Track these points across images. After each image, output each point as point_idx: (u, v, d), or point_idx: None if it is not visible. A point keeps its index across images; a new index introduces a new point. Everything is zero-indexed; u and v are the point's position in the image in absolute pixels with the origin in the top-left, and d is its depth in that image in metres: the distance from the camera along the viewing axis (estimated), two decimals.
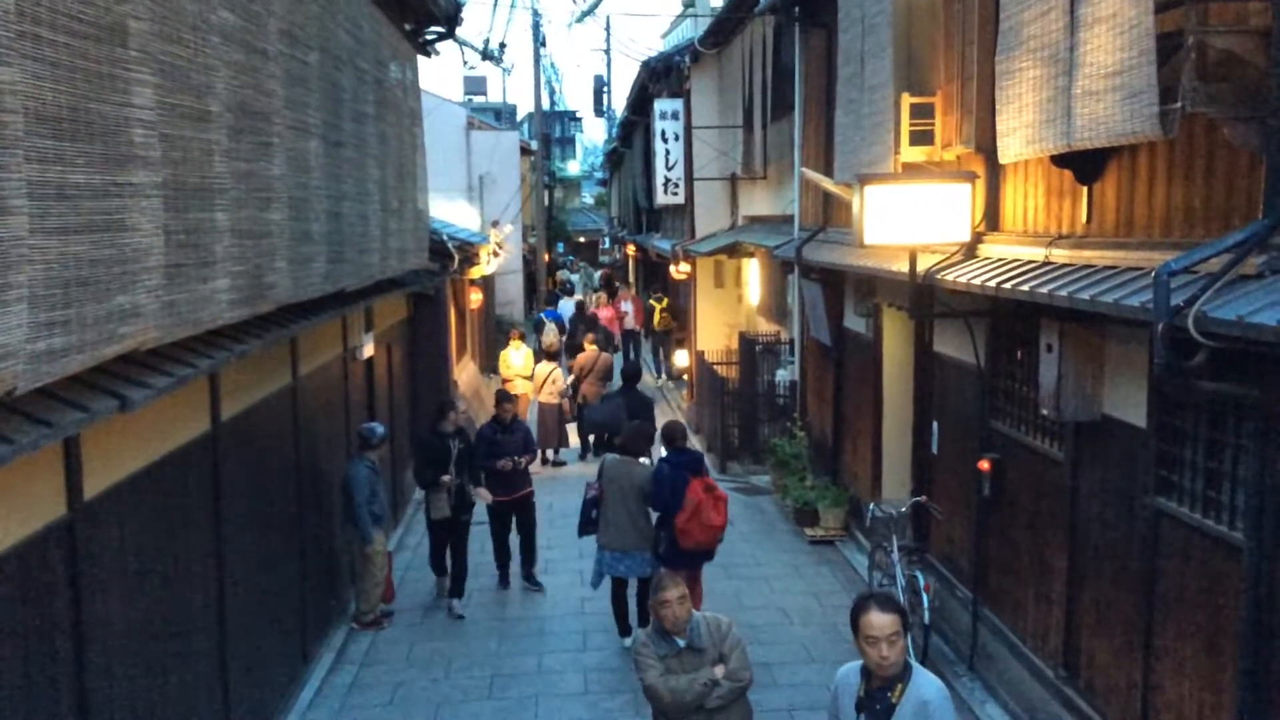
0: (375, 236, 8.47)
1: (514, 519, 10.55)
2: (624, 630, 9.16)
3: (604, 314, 23.35)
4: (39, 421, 3.51)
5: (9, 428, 3.36)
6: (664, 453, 8.88)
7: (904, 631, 4.19)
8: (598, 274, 41.72)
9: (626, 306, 24.17)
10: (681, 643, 5.38)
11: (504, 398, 10.92)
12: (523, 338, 18.00)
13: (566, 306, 28.82)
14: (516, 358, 17.26)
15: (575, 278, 36.76)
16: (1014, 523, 7.63)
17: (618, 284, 30.90)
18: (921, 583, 8.47)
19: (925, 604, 8.27)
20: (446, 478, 9.80)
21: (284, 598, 7.83)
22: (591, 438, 16.33)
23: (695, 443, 16.82)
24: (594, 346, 16.62)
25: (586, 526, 9.06)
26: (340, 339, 9.80)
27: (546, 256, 36.55)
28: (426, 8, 10.41)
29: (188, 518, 5.89)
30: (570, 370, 16.72)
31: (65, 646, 4.46)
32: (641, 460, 9.08)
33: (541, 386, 15.85)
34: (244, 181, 5.18)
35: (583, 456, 16.37)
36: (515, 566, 10.66)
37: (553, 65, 49.86)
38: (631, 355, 22.96)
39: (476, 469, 10.14)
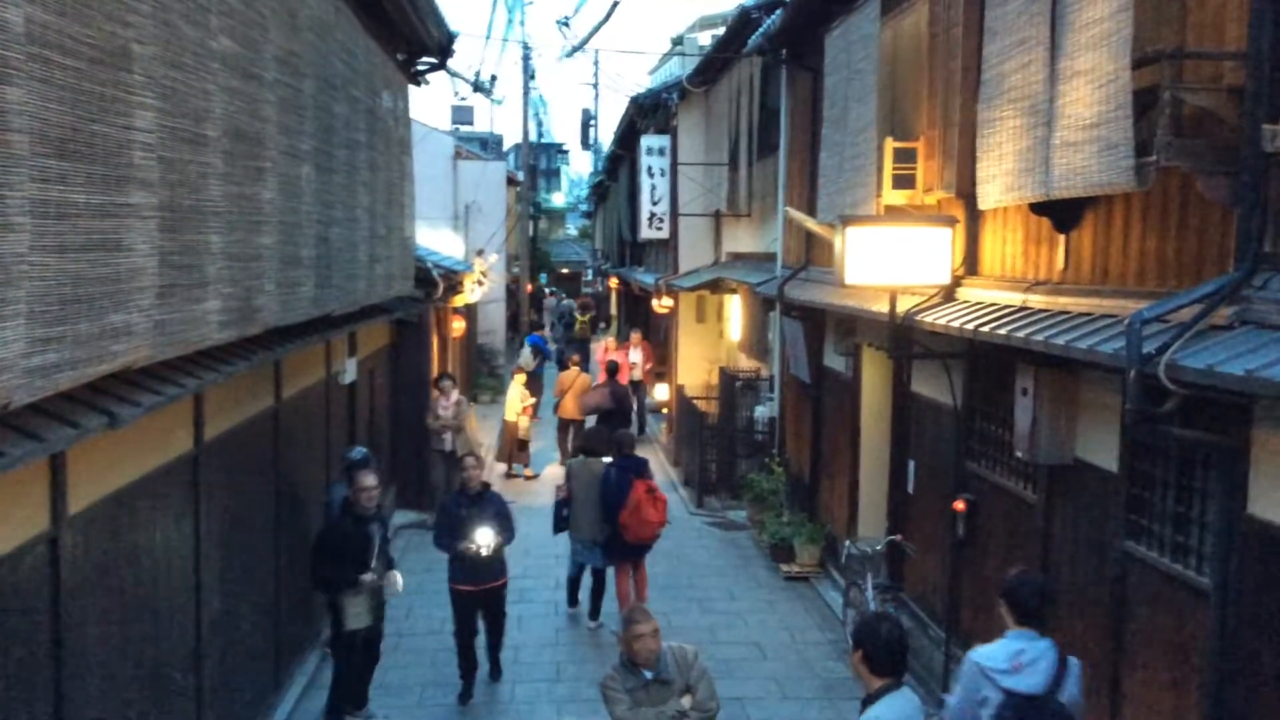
0: (362, 262, 8.53)
1: (480, 616, 8.94)
2: (572, 601, 10.60)
3: (617, 359, 18.67)
4: (30, 435, 3.56)
5: (1, 441, 3.40)
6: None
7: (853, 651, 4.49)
8: (572, 303, 41.81)
9: (635, 356, 19.96)
10: (649, 675, 5.44)
11: (464, 461, 9.31)
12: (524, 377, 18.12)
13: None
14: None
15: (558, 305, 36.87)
16: (987, 563, 7.71)
17: (599, 324, 30.89)
18: None
19: None
20: (369, 576, 7.76)
21: (259, 620, 7.83)
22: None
23: (673, 476, 16.99)
24: (576, 368, 17.83)
25: (560, 525, 10.33)
26: (324, 363, 9.83)
27: (530, 287, 36.67)
28: (420, 39, 10.52)
29: (168, 536, 5.91)
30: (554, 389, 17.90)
31: (43, 660, 4.47)
32: (604, 459, 10.25)
33: (509, 406, 17.01)
34: (237, 205, 5.25)
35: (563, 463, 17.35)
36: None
37: (541, 98, 50.12)
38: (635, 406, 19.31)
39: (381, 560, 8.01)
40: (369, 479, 7.98)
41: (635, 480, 9.78)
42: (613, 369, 17.09)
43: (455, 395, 14.15)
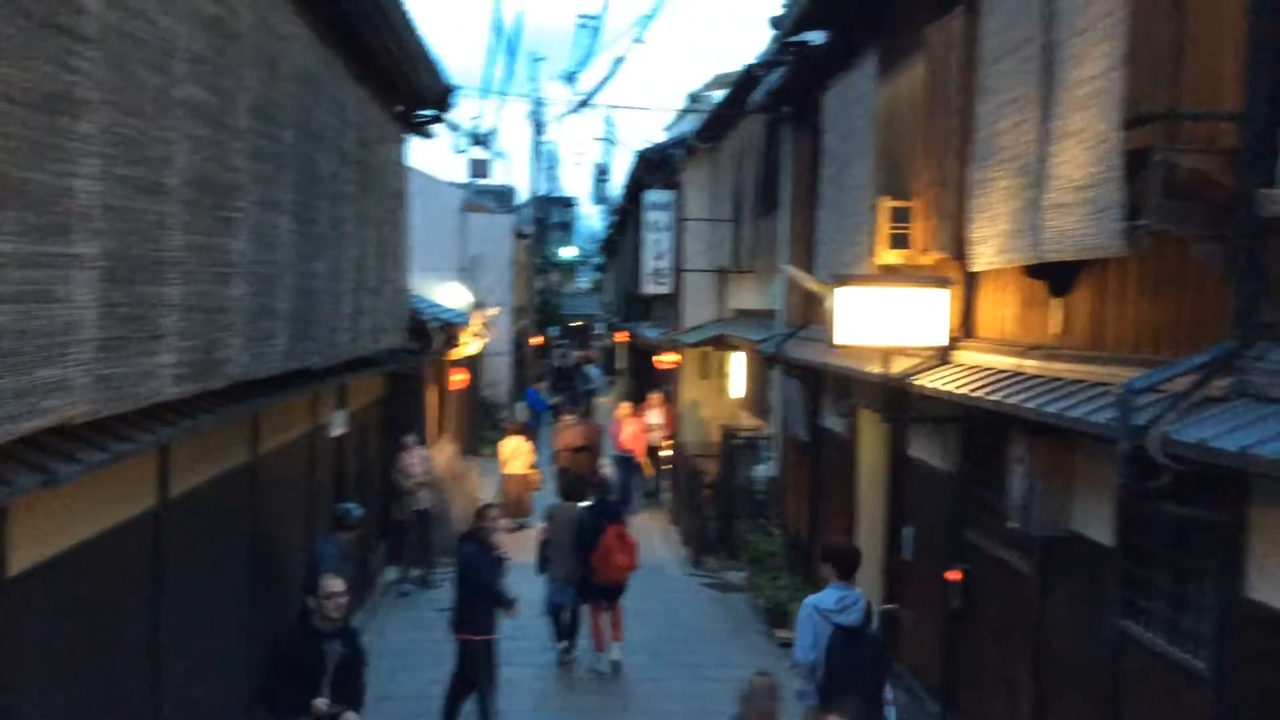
0: (347, 315, 8.38)
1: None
2: (560, 636, 10.74)
3: (629, 428, 18.44)
4: None
5: None
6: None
7: None
8: (574, 354, 41.60)
9: (655, 418, 19.16)
10: None
11: (488, 511, 9.42)
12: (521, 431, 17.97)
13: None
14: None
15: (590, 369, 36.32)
16: (983, 637, 7.45)
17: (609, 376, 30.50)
18: (889, 695, 8.24)
19: (892, 718, 8.03)
20: (322, 702, 6.38)
21: (228, 685, 7.55)
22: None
23: (672, 534, 16.74)
24: (571, 416, 18.73)
25: (543, 565, 10.70)
26: (309, 416, 9.64)
27: (541, 340, 36.52)
28: (417, 91, 10.45)
29: (127, 596, 5.69)
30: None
31: None
32: (581, 504, 10.80)
33: (509, 459, 16.92)
34: (200, 255, 5.09)
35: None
36: None
37: (553, 151, 50.33)
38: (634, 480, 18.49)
39: (355, 686, 6.86)
40: (336, 583, 6.76)
41: (608, 525, 10.28)
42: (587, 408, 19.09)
43: (419, 451, 13.61)
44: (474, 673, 8.78)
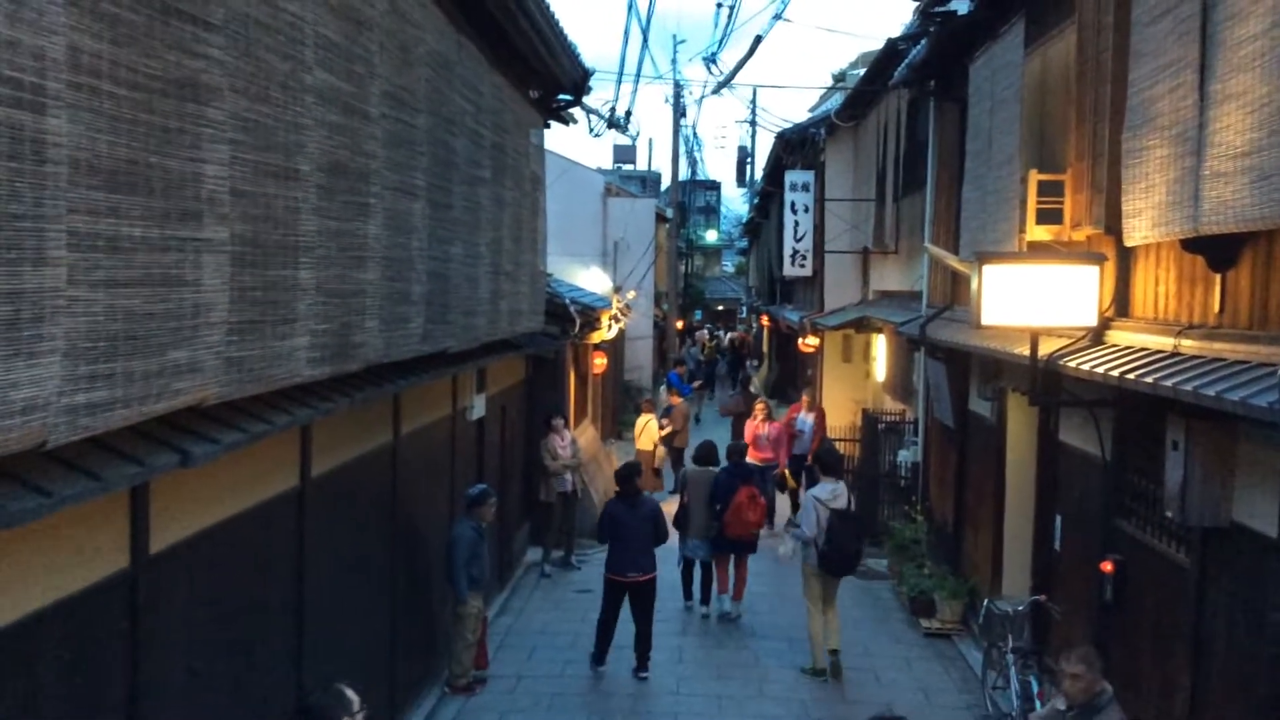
0: (484, 299, 8.44)
1: (631, 608, 9.99)
2: (687, 595, 11.94)
3: (769, 431, 15.23)
4: (88, 474, 3.47)
5: (51, 480, 3.30)
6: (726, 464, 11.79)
7: None
8: (726, 336, 41.25)
9: (805, 424, 15.86)
10: (1061, 706, 5.74)
11: (628, 472, 10.51)
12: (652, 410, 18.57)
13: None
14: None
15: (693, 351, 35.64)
16: (1136, 631, 7.09)
17: (751, 360, 29.83)
18: (1035, 689, 7.95)
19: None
20: None
21: (372, 659, 7.73)
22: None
23: None
24: (680, 399, 19.49)
25: (678, 524, 11.59)
26: (449, 399, 9.79)
27: (681, 324, 36.46)
28: (554, 75, 10.48)
29: (268, 574, 5.84)
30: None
31: (119, 708, 4.37)
32: (712, 469, 11.74)
33: (640, 435, 17.64)
34: (334, 240, 5.16)
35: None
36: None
37: (694, 135, 50.15)
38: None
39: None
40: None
41: (741, 486, 11.17)
42: (745, 378, 21.49)
43: (569, 434, 13.57)
44: (633, 611, 9.93)
